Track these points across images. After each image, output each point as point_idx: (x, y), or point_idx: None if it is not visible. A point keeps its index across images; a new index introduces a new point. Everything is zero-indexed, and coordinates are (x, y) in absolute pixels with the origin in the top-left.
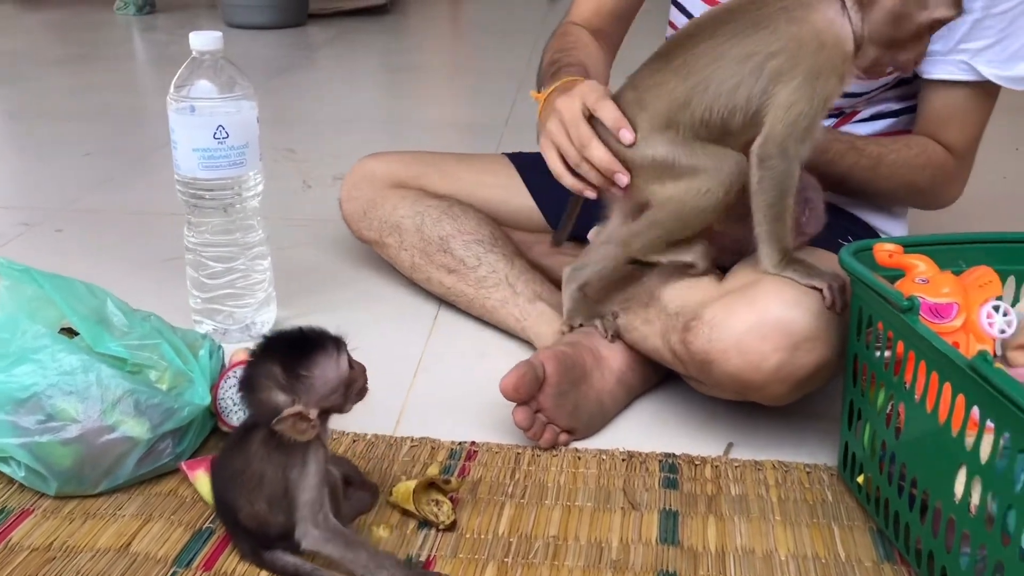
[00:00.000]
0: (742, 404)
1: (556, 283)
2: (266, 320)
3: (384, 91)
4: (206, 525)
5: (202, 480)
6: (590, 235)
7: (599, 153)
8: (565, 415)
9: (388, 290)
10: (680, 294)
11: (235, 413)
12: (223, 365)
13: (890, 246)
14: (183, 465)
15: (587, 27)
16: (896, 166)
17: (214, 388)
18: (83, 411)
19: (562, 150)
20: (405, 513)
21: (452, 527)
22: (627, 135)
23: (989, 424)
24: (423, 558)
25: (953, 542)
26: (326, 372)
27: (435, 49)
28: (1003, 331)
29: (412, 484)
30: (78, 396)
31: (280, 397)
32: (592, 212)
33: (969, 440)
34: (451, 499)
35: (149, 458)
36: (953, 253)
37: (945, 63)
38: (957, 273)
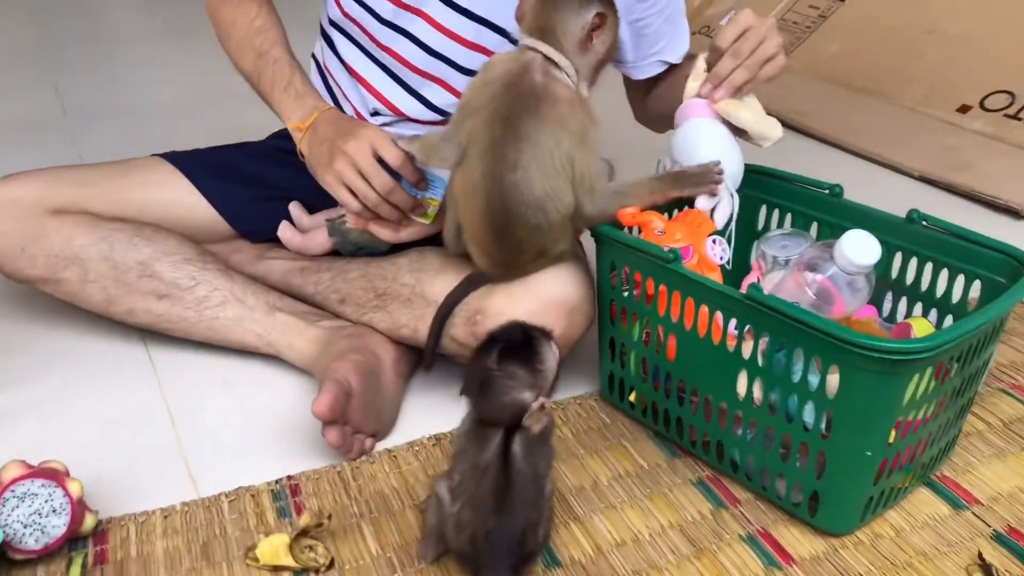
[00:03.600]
0: None
1: (276, 290)
2: None
3: None
4: None
5: None
6: (279, 234)
7: (403, 197)
8: (371, 421)
9: (76, 339)
10: (445, 289)
11: (28, 536)
12: None
13: (630, 209)
14: None
15: None
16: None
17: None
18: None
19: (361, 194)
20: (276, 569)
21: (332, 565)
22: (412, 176)
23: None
24: None
25: (739, 430)
26: (552, 361)
27: None
28: (722, 258)
29: (278, 539)
30: None
31: (526, 394)
32: (279, 212)
33: (743, 350)
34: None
35: None
36: None
37: (646, 67)
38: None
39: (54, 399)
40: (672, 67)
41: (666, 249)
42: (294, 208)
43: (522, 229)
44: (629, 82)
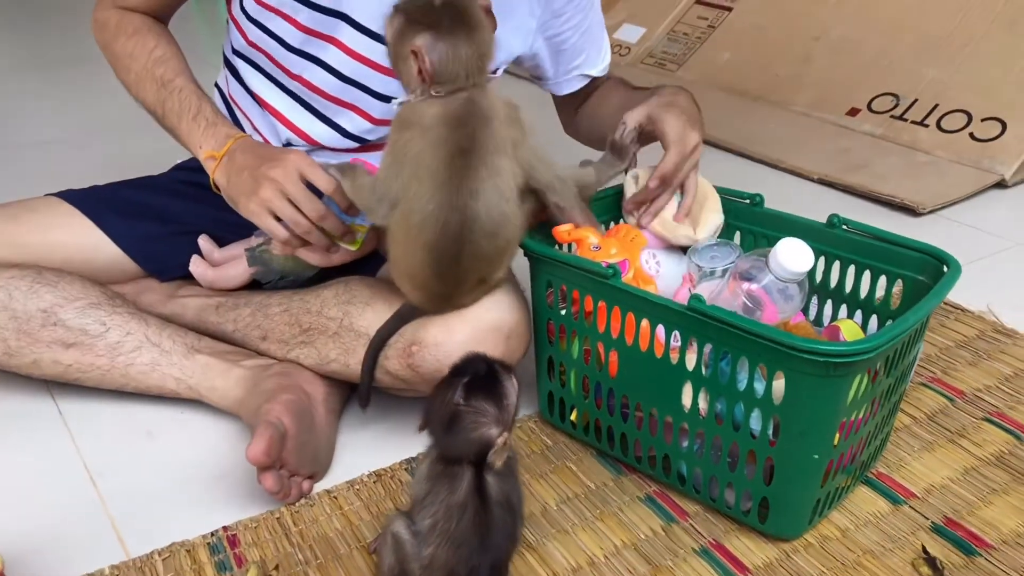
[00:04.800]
0: None
1: (194, 331)
2: None
3: None
4: None
5: None
6: (191, 269)
7: (334, 223)
8: (308, 463)
9: None
10: (375, 321)
11: None
12: None
13: (566, 226)
14: None
15: (145, 12)
16: None
17: None
18: None
19: (290, 221)
20: None
21: None
22: (343, 202)
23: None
24: None
25: (685, 443)
26: (514, 396)
27: None
28: (656, 271)
29: None
30: None
31: (493, 430)
32: (188, 247)
33: (687, 361)
34: None
35: None
36: None
37: (568, 82)
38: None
39: None
40: (596, 81)
41: (604, 265)
42: (203, 242)
43: (469, 258)
44: (556, 97)
